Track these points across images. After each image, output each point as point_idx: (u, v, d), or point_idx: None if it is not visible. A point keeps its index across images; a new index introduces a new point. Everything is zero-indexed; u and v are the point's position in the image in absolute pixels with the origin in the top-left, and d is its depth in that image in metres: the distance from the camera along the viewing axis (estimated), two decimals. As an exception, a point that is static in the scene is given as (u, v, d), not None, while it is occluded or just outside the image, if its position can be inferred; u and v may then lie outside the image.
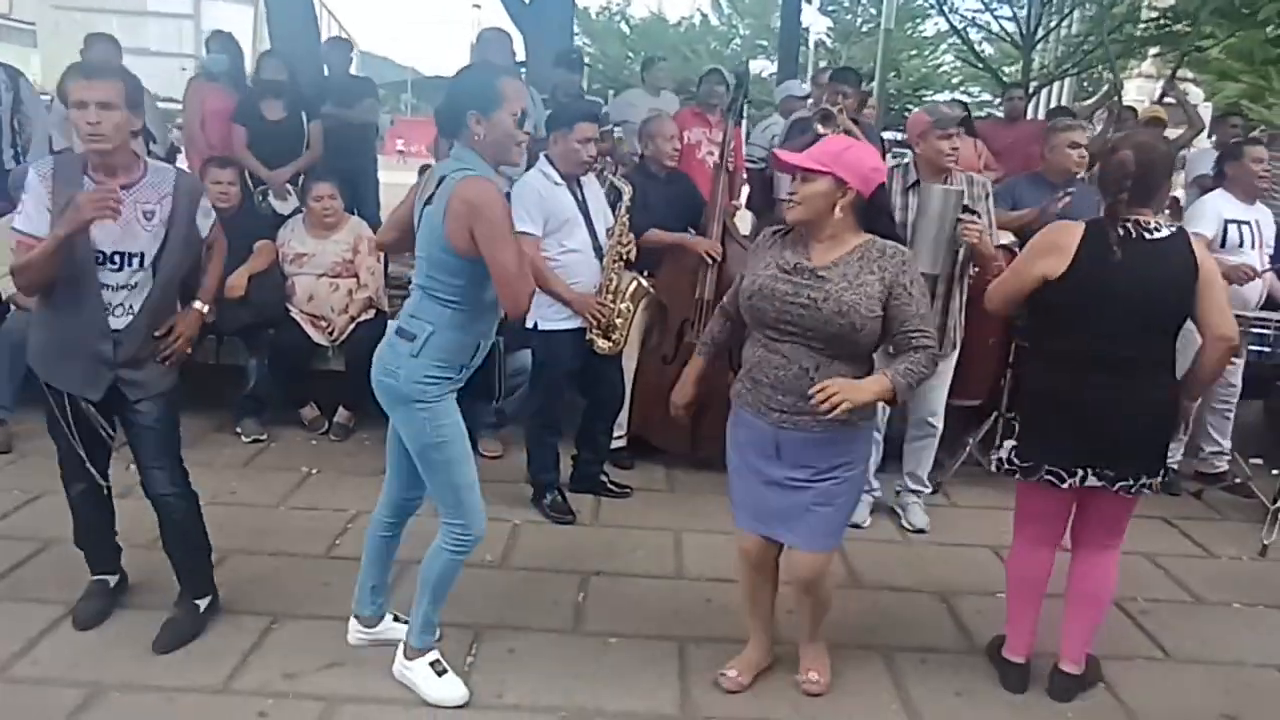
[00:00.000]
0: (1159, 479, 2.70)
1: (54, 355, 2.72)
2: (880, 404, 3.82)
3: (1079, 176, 4.21)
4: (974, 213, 3.64)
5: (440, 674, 2.68)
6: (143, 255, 2.66)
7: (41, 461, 4.20)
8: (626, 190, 3.91)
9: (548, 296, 3.56)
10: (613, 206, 3.91)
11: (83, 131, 2.52)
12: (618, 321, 3.85)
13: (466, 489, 2.60)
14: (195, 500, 2.92)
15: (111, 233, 2.60)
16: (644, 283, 3.94)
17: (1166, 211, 7.51)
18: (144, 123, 5.35)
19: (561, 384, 3.90)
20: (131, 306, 2.68)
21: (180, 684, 2.68)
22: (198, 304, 2.91)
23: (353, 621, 2.90)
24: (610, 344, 3.85)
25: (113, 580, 3.07)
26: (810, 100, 6.53)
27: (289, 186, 5.57)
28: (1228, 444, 4.66)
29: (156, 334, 2.75)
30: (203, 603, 2.96)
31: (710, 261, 4.25)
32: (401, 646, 2.74)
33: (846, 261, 2.45)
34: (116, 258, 2.63)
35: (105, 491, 2.91)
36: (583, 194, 3.75)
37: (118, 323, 2.67)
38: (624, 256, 3.89)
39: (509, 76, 2.56)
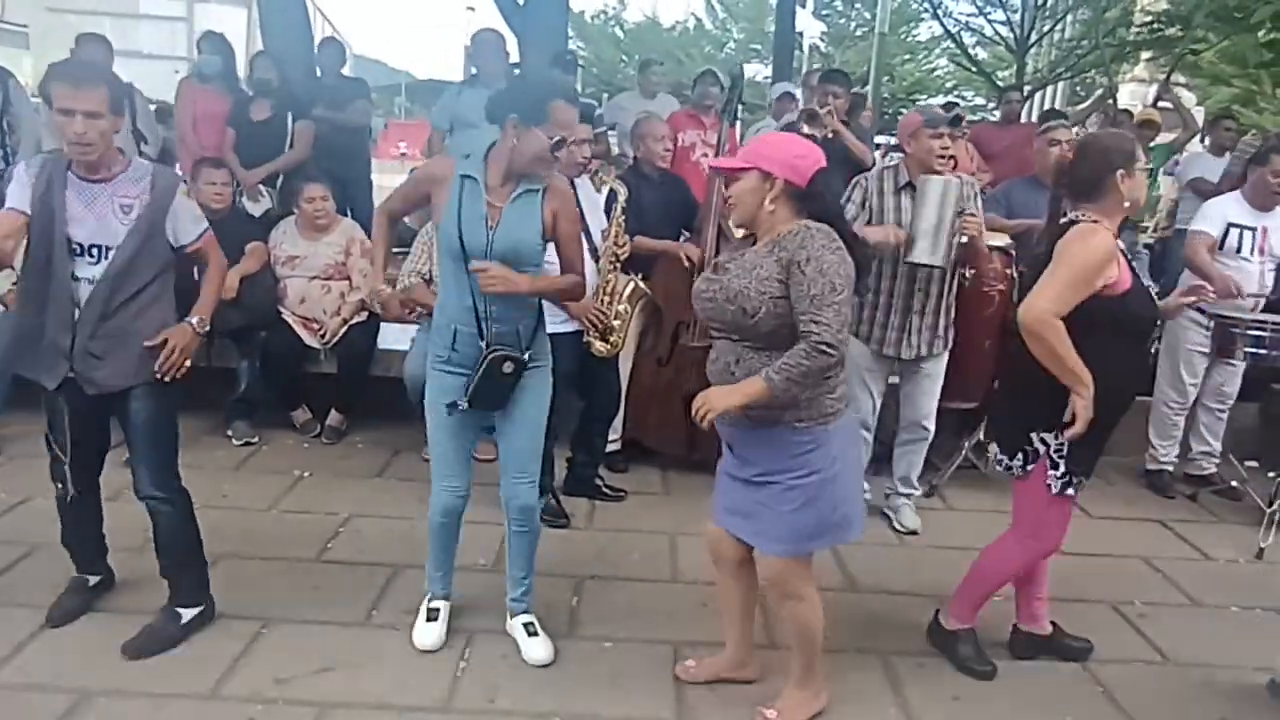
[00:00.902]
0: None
1: (24, 342, 2.72)
2: (872, 406, 3.88)
3: None
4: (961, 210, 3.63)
5: (429, 620, 2.97)
6: (118, 249, 2.65)
7: (29, 464, 4.18)
8: (622, 192, 3.89)
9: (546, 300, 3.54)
10: (609, 209, 3.88)
11: (69, 139, 2.54)
12: (615, 324, 3.82)
13: (436, 460, 2.88)
14: (183, 506, 2.88)
15: (87, 225, 2.61)
16: (641, 285, 3.92)
17: (1162, 213, 7.56)
18: (135, 124, 5.40)
19: (558, 387, 3.86)
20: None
21: (168, 690, 2.65)
22: (194, 320, 2.80)
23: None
24: (608, 346, 3.83)
25: (93, 580, 3.05)
26: (800, 103, 6.54)
27: (262, 188, 5.53)
28: (1218, 446, 4.67)
29: (147, 343, 2.69)
30: (187, 612, 2.90)
31: (687, 265, 4.21)
32: None
33: (756, 251, 2.42)
34: (94, 250, 2.63)
35: (79, 495, 2.86)
36: (577, 196, 3.72)
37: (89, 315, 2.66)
38: (619, 258, 3.86)
39: (567, 103, 2.64)
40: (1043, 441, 2.72)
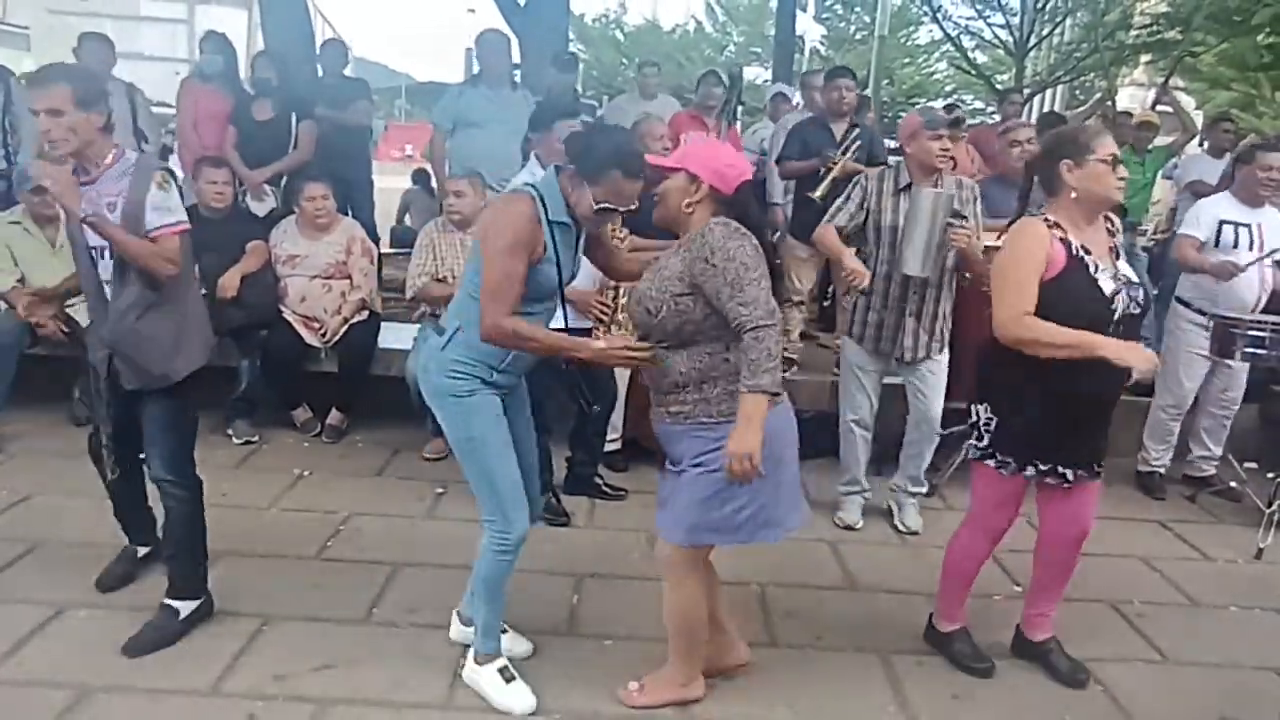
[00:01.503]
0: None
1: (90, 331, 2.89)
2: (869, 405, 3.89)
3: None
4: (962, 217, 3.63)
5: (508, 681, 2.67)
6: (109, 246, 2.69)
7: (31, 462, 4.20)
8: None
9: None
10: None
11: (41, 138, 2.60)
12: (620, 318, 3.82)
13: (504, 488, 2.58)
14: (193, 494, 2.92)
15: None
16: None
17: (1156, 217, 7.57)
18: (135, 123, 5.39)
19: (555, 385, 3.84)
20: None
21: (168, 686, 2.65)
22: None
23: (455, 617, 2.97)
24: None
25: (142, 551, 3.24)
26: (799, 104, 6.54)
27: (267, 187, 5.54)
28: (1218, 450, 4.67)
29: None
30: (185, 606, 2.91)
31: None
32: (471, 652, 2.74)
33: (668, 253, 2.46)
34: (103, 251, 2.70)
35: (122, 474, 3.01)
36: None
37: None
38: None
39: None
40: (978, 413, 2.82)
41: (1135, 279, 2.71)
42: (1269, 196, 4.31)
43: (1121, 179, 2.65)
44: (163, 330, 2.76)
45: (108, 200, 2.65)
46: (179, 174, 5.73)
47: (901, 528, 4.04)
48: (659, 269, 2.43)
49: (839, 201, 3.83)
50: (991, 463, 2.80)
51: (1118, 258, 2.72)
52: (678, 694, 2.69)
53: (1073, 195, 2.65)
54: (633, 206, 2.50)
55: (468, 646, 2.78)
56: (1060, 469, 2.76)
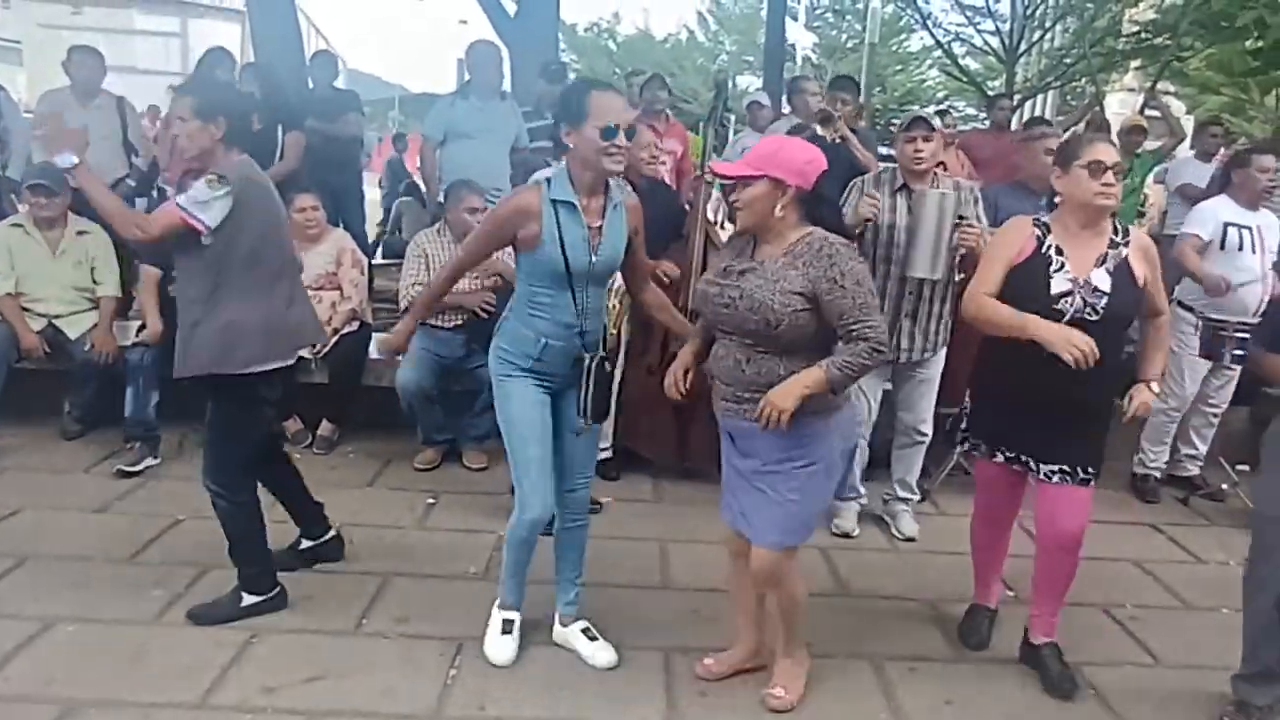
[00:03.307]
0: None
1: None
2: (868, 409, 3.89)
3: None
4: (961, 217, 3.64)
5: (504, 632, 2.93)
6: None
7: (20, 476, 4.18)
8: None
9: None
10: None
11: None
12: (614, 318, 3.81)
13: (523, 471, 2.75)
14: (232, 501, 3.06)
15: None
16: None
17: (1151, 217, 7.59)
18: (125, 136, 5.40)
19: None
20: None
21: (157, 700, 2.63)
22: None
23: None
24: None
25: (306, 543, 3.47)
26: (787, 111, 6.57)
27: None
28: (1204, 450, 4.69)
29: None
30: (249, 597, 3.08)
31: (666, 281, 4.20)
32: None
33: (775, 259, 2.48)
34: None
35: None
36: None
37: None
38: None
39: (600, 90, 2.61)
40: (967, 400, 3.08)
41: (1105, 289, 2.70)
42: (1266, 198, 4.36)
43: (1108, 185, 2.68)
44: (187, 320, 2.89)
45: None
46: (169, 188, 5.76)
47: (898, 536, 4.03)
48: (776, 281, 2.42)
49: (840, 206, 3.85)
50: (966, 446, 3.03)
51: (1100, 265, 2.73)
52: (805, 670, 2.82)
53: (1060, 200, 2.79)
54: (630, 119, 2.57)
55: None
56: (1024, 458, 2.84)
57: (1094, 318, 2.69)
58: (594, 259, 2.66)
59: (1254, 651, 2.76)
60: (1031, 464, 2.84)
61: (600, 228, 2.66)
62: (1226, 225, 4.35)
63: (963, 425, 3.05)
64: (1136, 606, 3.50)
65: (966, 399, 3.03)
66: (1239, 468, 4.59)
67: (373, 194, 6.82)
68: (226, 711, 2.61)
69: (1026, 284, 2.72)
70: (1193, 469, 4.70)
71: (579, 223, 2.62)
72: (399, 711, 2.64)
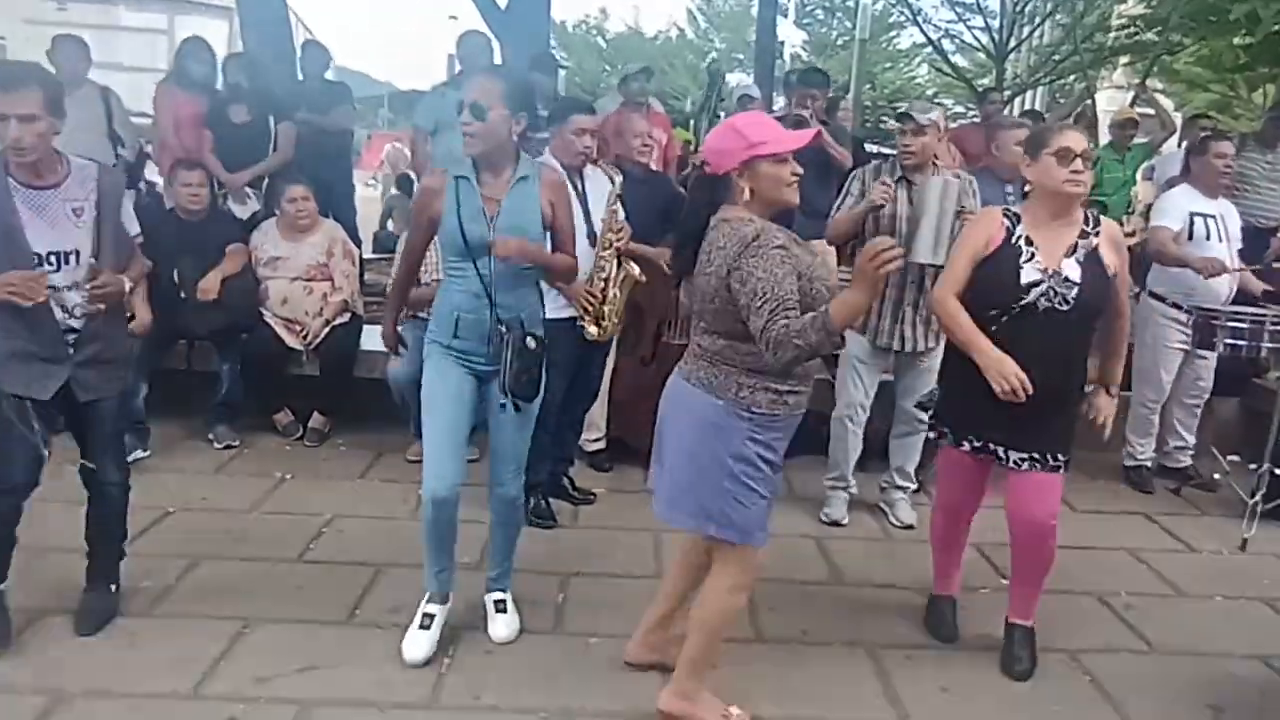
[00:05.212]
0: None
1: (5, 358, 2.64)
2: (861, 398, 3.90)
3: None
4: (962, 207, 3.65)
5: (422, 627, 2.87)
6: (78, 252, 2.65)
7: None
8: (617, 179, 3.87)
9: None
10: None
11: (6, 144, 2.51)
12: (606, 309, 3.80)
13: (427, 447, 2.82)
14: (129, 493, 2.98)
15: (44, 234, 2.59)
16: (634, 271, 3.88)
17: (1138, 215, 7.62)
18: (111, 126, 5.34)
19: (556, 377, 3.77)
20: (85, 306, 2.68)
21: (148, 690, 2.60)
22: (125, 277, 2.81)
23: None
24: (600, 330, 3.80)
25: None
26: (782, 107, 6.56)
27: (249, 189, 5.49)
28: (1192, 439, 4.71)
29: (89, 286, 2.64)
30: (114, 587, 3.00)
31: (669, 273, 4.18)
32: None
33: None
34: (53, 258, 2.62)
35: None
36: (584, 186, 3.74)
37: (77, 322, 2.69)
38: (615, 245, 3.84)
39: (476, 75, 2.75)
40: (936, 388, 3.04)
41: (1075, 279, 2.70)
42: (1225, 186, 4.39)
43: (1076, 173, 2.67)
44: (121, 329, 2.97)
45: (73, 205, 2.63)
46: (158, 179, 5.71)
47: (896, 523, 4.04)
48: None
49: (841, 196, 3.88)
50: (933, 434, 3.02)
51: (1070, 254, 2.73)
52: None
53: (1029, 189, 2.81)
54: (473, 96, 2.66)
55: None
56: (993, 446, 2.83)
57: (1065, 308, 2.69)
58: (491, 230, 2.70)
59: None
60: (1001, 452, 2.83)
61: (500, 201, 2.72)
62: (1193, 215, 4.37)
63: (930, 414, 3.04)
64: (1131, 594, 3.50)
65: (937, 387, 3.05)
66: (1230, 458, 4.60)
67: (366, 191, 6.77)
68: (218, 701, 2.58)
69: (996, 275, 2.72)
70: (1184, 460, 4.72)
71: (475, 195, 2.72)
72: (393, 701, 2.62)
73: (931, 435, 3.04)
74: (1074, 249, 2.74)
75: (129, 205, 2.81)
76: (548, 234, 2.84)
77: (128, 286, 2.82)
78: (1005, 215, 2.79)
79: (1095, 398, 2.94)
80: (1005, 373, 2.61)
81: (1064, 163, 2.66)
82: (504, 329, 2.72)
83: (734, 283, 2.25)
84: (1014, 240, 2.74)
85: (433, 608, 2.90)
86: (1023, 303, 2.68)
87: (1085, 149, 2.68)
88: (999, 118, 5.45)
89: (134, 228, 2.86)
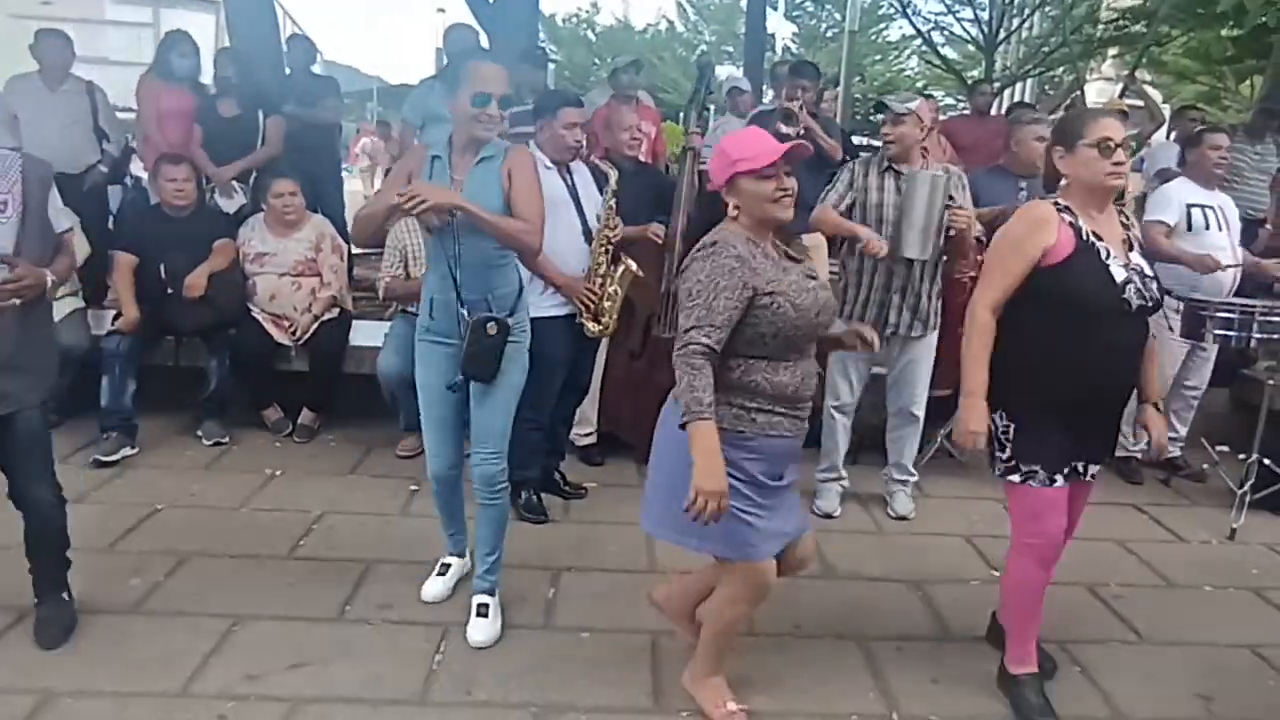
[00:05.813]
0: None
1: None
2: (850, 390, 3.90)
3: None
4: (949, 198, 3.65)
5: (438, 574, 3.20)
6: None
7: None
8: (613, 174, 3.85)
9: (540, 281, 3.53)
10: (601, 191, 3.85)
11: None
12: (606, 305, 3.78)
13: (425, 431, 2.97)
14: (65, 505, 2.85)
15: None
16: (632, 266, 3.86)
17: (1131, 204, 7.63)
18: (96, 121, 5.29)
19: (552, 374, 3.70)
20: None
21: (136, 689, 2.59)
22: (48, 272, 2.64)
23: None
24: (600, 327, 3.79)
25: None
26: (771, 99, 6.55)
27: (236, 184, 5.46)
28: (1184, 431, 4.72)
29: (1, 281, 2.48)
30: (67, 595, 2.89)
31: (658, 241, 4.18)
32: None
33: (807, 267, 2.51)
34: None
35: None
36: (572, 179, 3.71)
37: None
38: (611, 241, 3.82)
39: (480, 61, 2.77)
40: (995, 422, 2.57)
41: (1150, 272, 2.54)
42: (1221, 176, 4.40)
43: (1119, 164, 2.47)
44: (45, 329, 2.76)
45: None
46: (143, 174, 5.64)
47: (893, 515, 4.05)
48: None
49: (829, 185, 3.87)
50: (1017, 476, 2.56)
51: (1131, 249, 2.57)
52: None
53: (1065, 183, 2.55)
54: (502, 90, 2.73)
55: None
56: (1080, 469, 2.62)
57: (1150, 303, 2.50)
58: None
59: None
60: (1081, 467, 2.62)
61: (462, 180, 2.75)
62: (1190, 207, 4.38)
63: (1005, 454, 2.57)
64: (1120, 585, 3.51)
65: (1000, 420, 2.56)
66: (1219, 448, 4.62)
67: (353, 185, 6.75)
68: (208, 700, 2.56)
69: (1087, 279, 2.43)
70: (1174, 450, 4.73)
71: (445, 174, 2.77)
72: (384, 698, 2.61)
73: (1016, 479, 2.57)
74: (1128, 242, 2.57)
75: (57, 198, 2.70)
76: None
77: (50, 281, 2.62)
78: (1061, 213, 2.49)
79: (1147, 417, 2.70)
80: (970, 429, 2.51)
81: (1106, 155, 2.44)
82: (465, 311, 2.74)
83: (681, 281, 2.30)
84: (1087, 239, 2.46)
85: (450, 559, 3.24)
86: (1124, 301, 2.45)
87: (1125, 137, 2.49)
88: (1017, 114, 5.41)
89: (66, 221, 2.74)
